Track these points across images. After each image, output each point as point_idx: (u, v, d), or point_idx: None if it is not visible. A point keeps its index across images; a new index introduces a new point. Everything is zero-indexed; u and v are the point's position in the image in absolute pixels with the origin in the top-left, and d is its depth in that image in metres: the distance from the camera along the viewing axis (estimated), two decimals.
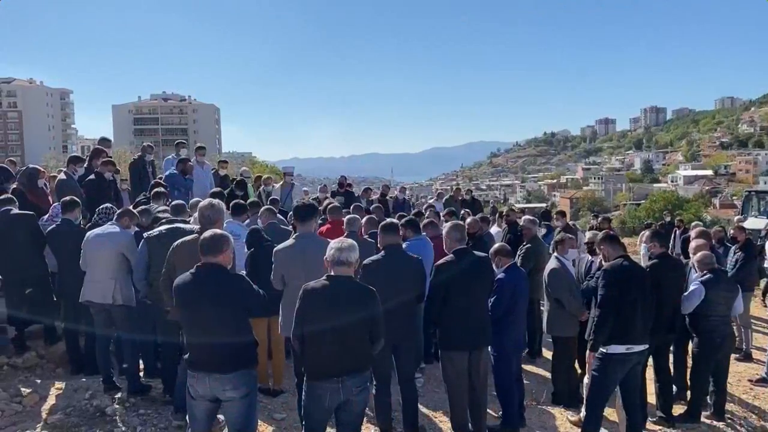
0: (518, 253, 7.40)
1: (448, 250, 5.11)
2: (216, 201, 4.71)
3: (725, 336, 6.01)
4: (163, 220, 5.60)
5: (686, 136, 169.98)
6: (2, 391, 5.48)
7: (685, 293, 6.01)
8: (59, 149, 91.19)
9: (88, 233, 5.73)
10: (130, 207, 6.74)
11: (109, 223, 5.81)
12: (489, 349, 5.36)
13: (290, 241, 5.00)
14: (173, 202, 6.52)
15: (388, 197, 12.70)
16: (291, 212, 8.25)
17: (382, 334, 3.88)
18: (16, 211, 6.23)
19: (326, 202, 8.44)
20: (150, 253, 5.15)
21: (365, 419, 5.25)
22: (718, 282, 5.93)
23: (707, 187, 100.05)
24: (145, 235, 5.37)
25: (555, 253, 6.41)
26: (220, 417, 4.35)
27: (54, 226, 6.19)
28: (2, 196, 6.40)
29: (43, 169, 8.24)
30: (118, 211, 5.97)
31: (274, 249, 5.01)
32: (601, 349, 4.91)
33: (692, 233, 7.83)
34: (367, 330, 3.78)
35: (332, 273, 3.77)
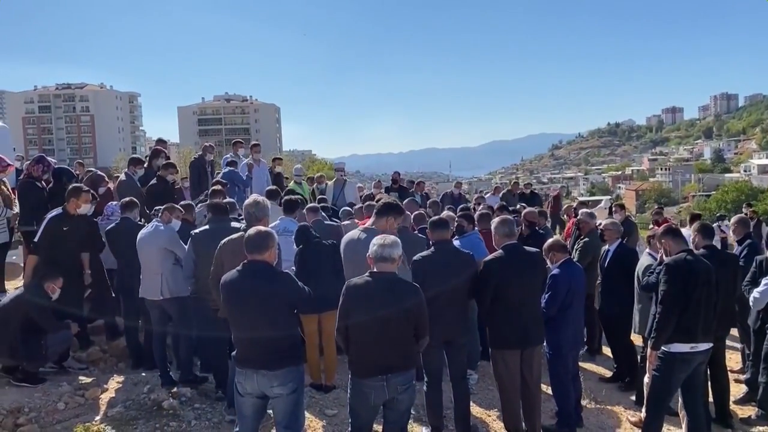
0: (575, 247, 7.17)
1: (496, 245, 4.98)
2: (261, 198, 4.74)
3: None
4: (211, 218, 5.68)
5: (760, 123, 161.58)
6: (67, 384, 5.70)
7: (757, 289, 5.69)
8: (129, 151, 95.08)
9: (141, 231, 5.88)
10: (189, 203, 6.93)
11: (155, 221, 5.96)
12: (544, 347, 5.21)
13: (357, 233, 5.02)
14: (226, 200, 6.61)
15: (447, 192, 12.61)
16: (341, 209, 8.30)
17: (426, 332, 3.81)
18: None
19: (378, 197, 8.39)
20: (196, 250, 5.24)
21: (417, 416, 5.23)
22: None
23: None
24: (192, 232, 5.47)
25: (648, 249, 6.13)
26: (271, 412, 4.38)
27: (113, 224, 6.38)
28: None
29: (106, 178, 8.52)
30: (161, 209, 6.13)
31: (344, 240, 5.06)
32: (663, 347, 4.69)
33: (733, 218, 7.40)
34: (412, 327, 3.72)
35: (375, 269, 3.72)
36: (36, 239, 6.01)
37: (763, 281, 5.72)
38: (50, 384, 5.68)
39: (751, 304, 5.80)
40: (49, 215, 6.12)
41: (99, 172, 8.77)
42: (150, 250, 5.72)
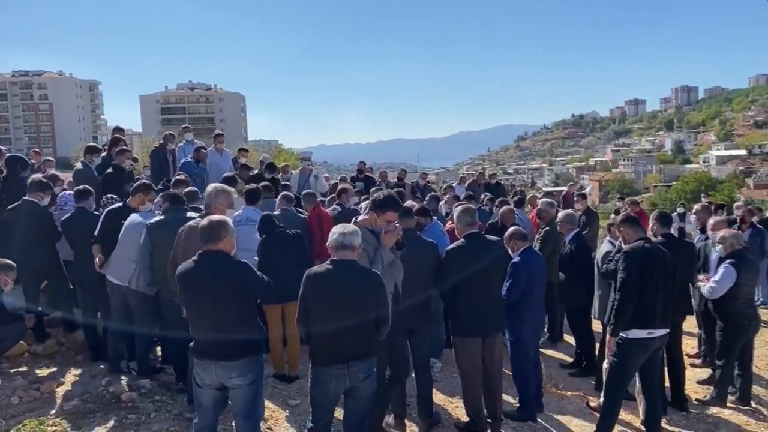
0: (536, 236, 7.25)
1: (459, 234, 5.00)
2: (212, 186, 4.65)
3: (752, 318, 5.88)
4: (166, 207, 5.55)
5: (719, 116, 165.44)
6: (21, 378, 5.55)
7: (716, 277, 5.82)
8: (89, 140, 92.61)
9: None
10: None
11: (157, 211, 5.81)
12: (506, 335, 5.26)
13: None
14: (188, 188, 6.49)
15: (406, 182, 12.62)
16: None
17: (387, 320, 3.79)
18: (42, 203, 6.20)
19: (341, 187, 8.39)
20: (152, 241, 5.14)
21: None
22: (745, 263, 5.76)
23: (741, 168, 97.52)
24: (147, 222, 5.35)
25: (608, 237, 6.23)
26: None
27: (69, 214, 6.19)
28: (35, 181, 6.33)
29: (61, 177, 8.28)
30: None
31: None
32: (621, 333, 4.77)
33: (696, 206, 7.62)
34: (373, 315, 3.69)
35: (335, 257, 3.69)
36: (96, 233, 5.83)
37: (720, 269, 5.84)
38: (3, 378, 5.52)
39: (707, 293, 5.90)
40: (108, 208, 5.95)
41: (55, 173, 8.51)
42: (132, 235, 5.48)
